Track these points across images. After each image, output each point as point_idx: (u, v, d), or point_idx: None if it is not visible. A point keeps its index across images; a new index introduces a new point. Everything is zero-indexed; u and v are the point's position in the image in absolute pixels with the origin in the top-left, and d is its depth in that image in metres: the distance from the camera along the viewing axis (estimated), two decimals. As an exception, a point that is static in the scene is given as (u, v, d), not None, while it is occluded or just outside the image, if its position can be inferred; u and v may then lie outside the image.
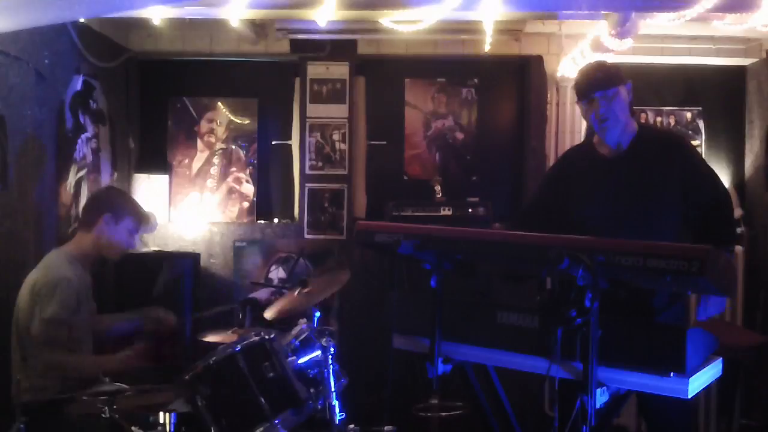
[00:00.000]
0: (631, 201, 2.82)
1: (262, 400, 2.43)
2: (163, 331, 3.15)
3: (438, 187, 4.68)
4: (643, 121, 4.84)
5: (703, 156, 4.84)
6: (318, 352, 2.69)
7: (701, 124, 4.90)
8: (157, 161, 4.93)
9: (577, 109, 4.77)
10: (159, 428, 2.35)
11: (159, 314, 3.19)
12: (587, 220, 2.85)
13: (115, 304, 4.16)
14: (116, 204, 3.09)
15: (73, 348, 2.88)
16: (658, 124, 4.87)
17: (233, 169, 4.94)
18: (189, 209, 4.90)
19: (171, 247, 4.76)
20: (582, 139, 4.76)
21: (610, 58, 4.20)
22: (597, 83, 2.85)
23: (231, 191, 4.93)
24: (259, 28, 4.55)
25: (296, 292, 3.12)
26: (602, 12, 3.72)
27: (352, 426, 2.74)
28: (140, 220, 3.17)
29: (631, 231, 2.60)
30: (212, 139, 4.94)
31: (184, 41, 4.76)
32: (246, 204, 4.92)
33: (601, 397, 2.10)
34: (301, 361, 2.68)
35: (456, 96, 4.95)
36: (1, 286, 3.20)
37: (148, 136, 4.97)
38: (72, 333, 2.87)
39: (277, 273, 4.70)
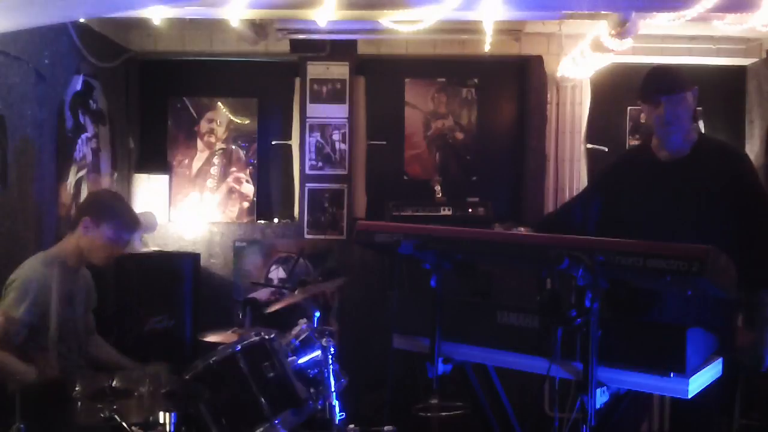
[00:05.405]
0: (686, 207, 2.81)
1: (262, 400, 2.44)
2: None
3: (438, 187, 4.68)
4: (642, 120, 4.84)
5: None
6: (318, 352, 2.70)
7: (701, 124, 4.89)
8: (157, 161, 4.93)
9: (578, 109, 4.80)
10: (159, 428, 2.35)
11: (159, 372, 2.60)
12: (640, 223, 2.85)
13: (115, 304, 4.16)
14: (99, 208, 2.97)
15: (28, 350, 2.75)
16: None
17: (233, 169, 4.93)
18: (189, 209, 4.89)
19: (171, 247, 4.75)
20: (583, 140, 4.82)
21: (610, 58, 4.21)
22: (664, 87, 2.83)
23: (231, 191, 4.93)
24: (259, 28, 4.54)
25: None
26: (602, 12, 3.71)
27: (352, 426, 2.75)
28: (124, 227, 3.00)
29: (683, 236, 2.56)
30: (212, 139, 4.94)
31: (184, 41, 4.75)
32: (246, 204, 4.92)
33: (601, 397, 2.10)
34: (301, 361, 2.68)
35: (456, 96, 4.95)
36: (1, 286, 3.19)
37: (148, 136, 4.97)
38: (32, 335, 2.75)
39: (277, 273, 4.70)
